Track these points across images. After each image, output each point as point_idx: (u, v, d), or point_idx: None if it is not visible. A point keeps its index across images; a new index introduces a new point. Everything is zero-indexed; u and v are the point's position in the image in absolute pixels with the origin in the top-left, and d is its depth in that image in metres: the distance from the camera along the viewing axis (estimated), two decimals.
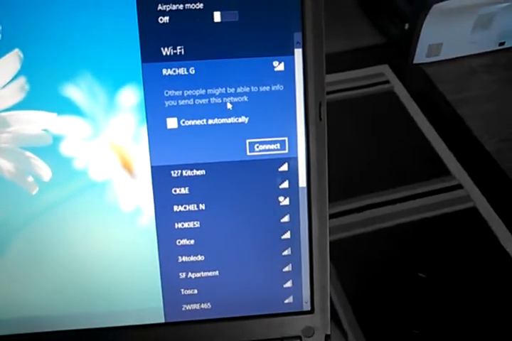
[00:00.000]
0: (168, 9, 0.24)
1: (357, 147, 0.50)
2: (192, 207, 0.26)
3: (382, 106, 0.56)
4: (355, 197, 0.47)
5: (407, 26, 0.57)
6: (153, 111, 0.25)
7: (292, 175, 0.25)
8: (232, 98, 0.25)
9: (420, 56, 0.58)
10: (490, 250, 0.43)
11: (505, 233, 0.44)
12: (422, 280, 0.41)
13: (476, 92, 0.56)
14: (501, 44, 0.59)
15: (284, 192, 0.26)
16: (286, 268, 0.26)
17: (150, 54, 0.24)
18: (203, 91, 0.25)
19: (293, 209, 0.26)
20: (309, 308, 0.27)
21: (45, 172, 0.25)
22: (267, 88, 0.24)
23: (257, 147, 0.25)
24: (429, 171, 0.49)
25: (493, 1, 0.55)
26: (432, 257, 0.42)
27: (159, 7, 0.24)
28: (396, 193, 0.47)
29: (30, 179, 0.25)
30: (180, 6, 0.24)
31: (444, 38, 0.57)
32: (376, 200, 0.47)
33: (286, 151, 0.25)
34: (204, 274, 0.26)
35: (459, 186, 0.47)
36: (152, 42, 0.24)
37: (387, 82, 0.57)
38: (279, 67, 0.25)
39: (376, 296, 0.40)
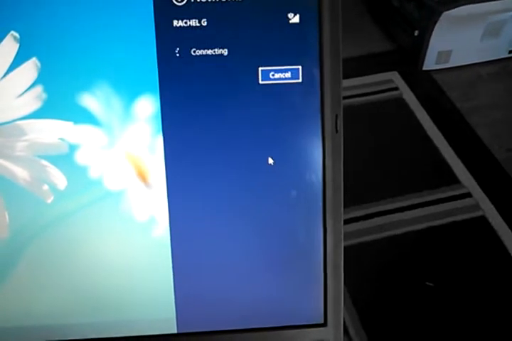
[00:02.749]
0: (185, 24, 0.24)
1: (365, 154, 0.50)
2: (207, 219, 0.26)
3: (391, 113, 0.56)
4: (363, 204, 0.47)
5: (416, 33, 0.57)
6: (170, 121, 0.25)
7: (308, 184, 0.25)
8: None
9: (430, 63, 0.58)
10: (498, 259, 0.43)
11: None
12: (429, 289, 0.41)
13: (485, 100, 0.56)
14: (511, 52, 0.59)
15: (296, 201, 0.26)
16: (300, 281, 0.26)
17: (167, 64, 0.24)
18: None
19: (308, 221, 0.26)
20: (322, 321, 0.27)
21: (60, 180, 0.25)
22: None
23: None
24: (438, 179, 0.49)
25: (503, 9, 0.55)
26: (440, 266, 0.42)
27: (175, 22, 0.24)
28: (404, 201, 0.47)
29: (46, 187, 0.25)
30: (194, 22, 0.24)
31: (453, 45, 0.57)
32: (384, 208, 0.47)
33: None
34: (218, 285, 0.26)
35: (468, 194, 0.47)
36: (169, 52, 0.24)
37: (397, 88, 0.57)
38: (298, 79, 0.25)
39: (383, 304, 0.40)
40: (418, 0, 0.56)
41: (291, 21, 0.24)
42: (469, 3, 0.53)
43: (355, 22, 0.64)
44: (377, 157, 0.50)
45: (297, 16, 0.24)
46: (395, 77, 0.58)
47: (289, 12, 0.24)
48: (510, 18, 0.55)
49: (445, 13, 0.53)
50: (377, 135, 0.52)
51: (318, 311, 0.27)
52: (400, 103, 0.56)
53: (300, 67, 0.25)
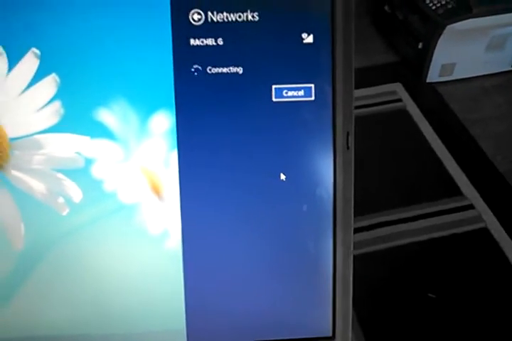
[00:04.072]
0: (202, 42, 0.25)
1: (369, 165, 0.50)
2: (219, 232, 0.26)
3: (395, 125, 0.56)
4: (366, 215, 0.47)
5: (420, 45, 0.58)
6: (185, 137, 0.25)
7: (319, 199, 0.26)
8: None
9: (433, 75, 0.59)
10: (501, 271, 0.43)
11: None
12: (431, 301, 0.41)
13: (489, 113, 0.57)
14: None
15: (307, 215, 0.26)
16: (310, 294, 0.27)
17: (183, 81, 0.25)
18: None
19: (318, 235, 0.26)
20: (330, 334, 0.27)
21: (76, 193, 0.26)
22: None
23: None
24: (441, 191, 0.50)
25: (507, 23, 0.56)
26: (443, 277, 0.43)
27: (192, 41, 0.25)
28: (407, 212, 0.48)
29: (61, 200, 0.26)
30: (211, 41, 0.25)
31: (457, 58, 0.58)
32: (387, 219, 0.47)
33: None
34: (228, 297, 0.27)
35: (471, 206, 0.48)
36: (185, 69, 0.25)
37: (400, 100, 0.58)
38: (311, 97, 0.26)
39: (385, 315, 0.40)
40: (422, 13, 0.56)
41: (305, 41, 0.25)
42: (473, 17, 0.54)
43: (360, 34, 0.65)
44: (380, 168, 0.50)
45: (311, 36, 0.25)
46: (398, 89, 0.59)
47: (302, 32, 0.25)
48: None
49: (449, 27, 0.54)
50: (380, 146, 0.52)
51: (326, 324, 0.27)
52: (404, 115, 0.57)
53: (313, 86, 0.25)
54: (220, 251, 0.26)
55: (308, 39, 0.25)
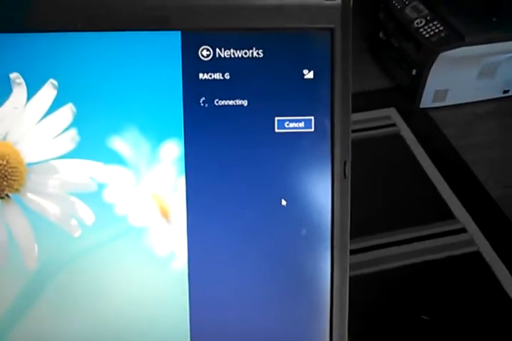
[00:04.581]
0: (210, 77, 0.27)
1: (362, 189, 0.52)
2: (223, 254, 0.28)
3: (389, 149, 0.59)
4: (360, 237, 0.49)
5: (414, 72, 0.61)
6: (192, 164, 0.28)
7: (318, 224, 0.28)
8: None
9: (427, 101, 0.62)
10: (492, 294, 0.45)
11: (507, 277, 0.46)
12: (425, 323, 0.43)
13: (481, 138, 0.59)
14: (505, 92, 0.63)
15: (306, 239, 0.28)
16: (308, 314, 0.29)
17: (192, 112, 0.27)
18: None
19: (316, 259, 0.28)
20: None
21: (88, 216, 0.28)
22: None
23: None
24: (433, 214, 0.52)
25: (498, 51, 0.59)
26: (436, 299, 0.45)
27: (201, 75, 0.27)
28: (401, 235, 0.50)
29: (74, 222, 0.28)
30: (218, 75, 0.27)
31: (450, 84, 0.61)
32: (381, 241, 0.49)
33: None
34: (231, 318, 0.29)
35: (463, 230, 0.50)
36: (194, 101, 0.27)
37: (394, 125, 0.60)
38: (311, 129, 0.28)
39: (380, 337, 0.42)
40: (416, 41, 0.59)
41: (305, 77, 0.27)
42: (465, 45, 0.57)
43: (355, 60, 0.67)
44: (374, 192, 0.52)
45: (311, 72, 0.27)
46: (393, 114, 0.62)
47: (304, 68, 0.27)
48: (505, 59, 0.59)
49: (442, 54, 0.57)
50: (374, 169, 0.55)
51: None
52: (398, 139, 0.59)
53: (313, 118, 0.28)
54: (223, 273, 0.28)
55: (309, 75, 0.27)
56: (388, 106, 0.62)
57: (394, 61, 0.64)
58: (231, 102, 0.27)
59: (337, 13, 0.27)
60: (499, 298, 0.45)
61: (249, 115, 0.27)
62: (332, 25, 0.27)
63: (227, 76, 0.27)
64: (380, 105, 0.63)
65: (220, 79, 0.27)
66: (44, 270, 0.28)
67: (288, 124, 0.28)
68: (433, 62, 0.58)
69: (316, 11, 0.27)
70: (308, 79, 0.27)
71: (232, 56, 0.27)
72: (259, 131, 0.28)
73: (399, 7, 0.62)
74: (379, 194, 0.53)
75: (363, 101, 0.62)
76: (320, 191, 0.28)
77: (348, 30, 0.27)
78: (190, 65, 0.27)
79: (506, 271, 0.47)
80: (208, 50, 0.27)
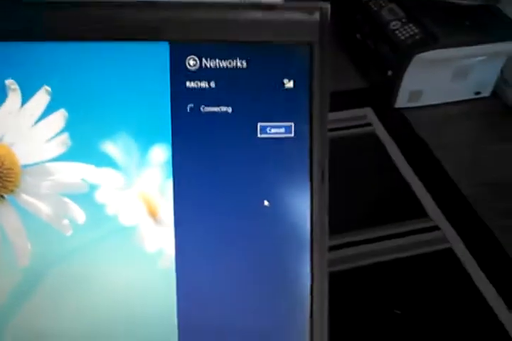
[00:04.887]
0: (196, 85, 0.29)
1: (336, 187, 0.54)
2: (209, 252, 0.30)
3: (364, 147, 0.61)
4: (334, 234, 0.51)
5: (390, 73, 0.63)
6: (179, 167, 0.30)
7: (298, 224, 0.31)
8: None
9: (402, 101, 0.64)
10: (464, 289, 0.47)
11: (479, 273, 0.49)
12: (397, 316, 0.45)
13: (453, 138, 0.62)
14: (477, 93, 0.66)
15: (287, 238, 0.31)
16: (290, 311, 0.31)
17: (179, 118, 0.29)
18: None
19: (296, 256, 0.31)
20: None
21: (79, 216, 0.29)
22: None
23: None
24: (407, 212, 0.54)
25: (471, 54, 0.61)
26: (408, 295, 0.47)
27: (187, 83, 0.29)
28: (374, 232, 0.52)
29: (66, 222, 0.30)
30: (204, 84, 0.29)
31: (424, 85, 0.63)
32: (354, 239, 0.51)
33: None
34: (217, 314, 0.31)
35: (436, 227, 0.52)
36: (181, 108, 0.29)
37: (370, 124, 0.63)
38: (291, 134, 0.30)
39: (353, 331, 0.44)
40: (392, 42, 0.62)
41: (286, 86, 0.30)
42: (440, 48, 0.60)
43: (332, 60, 0.69)
44: (348, 190, 0.54)
45: (291, 82, 0.29)
46: (368, 113, 0.64)
47: (284, 78, 0.29)
48: (477, 62, 0.62)
49: (417, 56, 0.60)
50: (349, 169, 0.56)
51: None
52: (373, 138, 0.61)
53: (293, 124, 0.30)
54: (209, 270, 0.30)
55: (289, 84, 0.30)
56: (364, 105, 0.64)
57: (370, 62, 0.66)
58: (216, 109, 0.29)
59: (316, 28, 0.29)
60: (470, 294, 0.47)
61: (234, 121, 0.30)
62: (311, 39, 0.29)
63: (212, 84, 0.29)
64: (356, 105, 0.64)
65: (206, 88, 0.29)
66: (36, 268, 0.30)
67: (270, 130, 0.30)
68: (408, 64, 0.60)
69: (297, 26, 0.29)
70: (289, 88, 0.30)
71: (218, 66, 0.29)
72: (242, 136, 0.30)
73: (375, 9, 0.64)
74: (353, 192, 0.55)
75: (339, 101, 0.64)
76: (300, 194, 0.30)
77: (326, 43, 0.29)
78: (178, 73, 0.29)
79: (477, 268, 0.49)
80: (194, 60, 0.29)
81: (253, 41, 0.29)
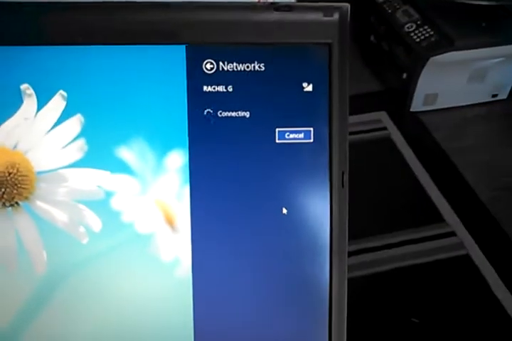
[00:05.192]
0: (213, 89, 0.29)
1: (353, 192, 0.54)
2: (226, 260, 0.30)
3: (379, 152, 0.61)
4: (350, 240, 0.51)
5: (405, 76, 0.63)
6: (196, 173, 0.29)
7: (317, 231, 0.30)
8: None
9: (417, 104, 0.64)
10: (481, 296, 0.47)
11: (496, 280, 0.48)
12: (415, 325, 0.45)
13: (470, 141, 0.62)
14: (494, 96, 0.65)
15: (306, 246, 0.31)
16: (308, 318, 0.31)
17: (196, 123, 0.29)
18: None
19: (315, 264, 0.30)
20: None
21: (95, 223, 0.29)
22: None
23: None
24: (423, 218, 0.53)
25: (487, 56, 0.61)
26: (425, 302, 0.46)
27: (205, 87, 0.29)
28: (391, 238, 0.51)
29: (82, 229, 0.29)
30: (221, 88, 0.29)
31: (439, 88, 0.63)
32: (371, 245, 0.51)
33: None
34: (234, 322, 0.30)
35: (453, 233, 0.52)
36: (198, 113, 0.29)
37: (385, 128, 0.62)
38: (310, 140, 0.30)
39: (369, 339, 0.44)
40: (407, 45, 0.61)
41: (305, 89, 0.29)
42: (455, 50, 0.59)
43: None
44: (364, 195, 0.53)
45: (311, 85, 0.29)
46: (383, 117, 0.63)
47: (303, 81, 0.29)
48: (493, 64, 0.62)
49: (432, 59, 0.59)
50: (364, 173, 0.55)
51: None
52: (388, 142, 0.61)
53: (312, 129, 0.30)
54: (226, 279, 0.30)
55: (308, 88, 0.29)
56: (379, 109, 0.64)
57: (385, 65, 0.66)
58: (234, 114, 0.29)
59: (335, 29, 0.29)
60: (488, 301, 0.47)
61: (251, 126, 0.29)
62: (330, 40, 0.29)
63: (230, 88, 0.29)
64: (370, 108, 0.64)
65: (223, 92, 0.29)
66: (53, 275, 0.30)
67: (288, 135, 0.30)
68: (423, 67, 0.60)
69: (315, 27, 0.29)
70: (308, 92, 0.29)
71: (235, 69, 0.29)
72: (260, 142, 0.29)
73: (390, 11, 0.64)
74: (369, 197, 0.54)
75: (353, 105, 0.63)
76: (319, 200, 0.30)
77: (346, 45, 0.29)
78: (195, 77, 0.29)
79: (495, 274, 0.49)
80: (211, 63, 0.29)
81: (270, 43, 0.29)
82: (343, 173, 0.30)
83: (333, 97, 0.29)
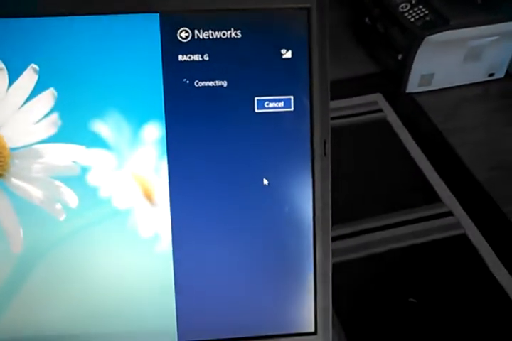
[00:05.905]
0: (189, 58, 0.28)
1: (349, 174, 0.53)
2: (206, 234, 0.29)
3: (376, 134, 0.59)
4: (347, 222, 0.50)
5: (400, 57, 0.61)
6: (174, 145, 0.28)
7: (299, 202, 0.29)
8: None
9: (413, 85, 0.62)
10: (479, 276, 0.46)
11: (494, 259, 0.47)
12: (412, 305, 0.44)
13: (466, 121, 0.60)
14: (490, 75, 0.64)
15: (289, 217, 0.29)
16: (292, 292, 0.30)
17: (172, 94, 0.28)
18: None
19: (299, 236, 0.29)
20: (313, 330, 0.30)
21: (72, 200, 0.28)
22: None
23: None
24: (420, 198, 0.52)
25: (483, 34, 0.59)
26: (423, 282, 0.46)
27: (180, 57, 0.28)
28: (388, 219, 0.50)
29: (59, 206, 0.28)
30: (197, 57, 0.28)
31: (435, 68, 0.61)
32: (368, 226, 0.50)
33: None
34: (216, 296, 0.30)
35: (450, 213, 0.51)
36: (174, 83, 0.28)
37: (381, 110, 0.61)
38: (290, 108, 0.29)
39: (368, 320, 0.43)
40: (401, 25, 0.60)
41: (284, 56, 0.28)
42: (450, 29, 0.58)
43: (341, 45, 0.68)
44: (361, 176, 0.53)
45: (289, 52, 0.28)
46: (379, 99, 0.62)
47: (282, 48, 0.28)
48: (489, 43, 0.60)
49: (427, 38, 0.58)
50: (361, 155, 0.55)
51: (309, 320, 0.30)
52: (384, 124, 0.60)
53: (292, 97, 0.28)
54: (208, 253, 0.29)
55: (287, 54, 0.28)
56: (374, 91, 0.63)
57: (379, 46, 0.65)
58: (211, 83, 0.28)
59: None
60: (486, 280, 0.46)
61: (229, 96, 0.28)
62: (308, 5, 0.28)
63: (206, 57, 0.28)
64: (366, 90, 0.63)
65: (199, 61, 0.28)
66: (30, 253, 0.29)
67: (268, 104, 0.28)
68: (418, 47, 0.59)
69: None
70: (287, 59, 0.28)
71: (211, 37, 0.28)
72: (239, 112, 0.28)
73: None
74: (366, 178, 0.54)
75: (349, 88, 0.62)
76: (301, 169, 0.29)
77: (325, 9, 0.28)
78: (170, 46, 0.28)
79: (492, 253, 0.48)
80: (186, 31, 0.28)
81: (247, 9, 0.28)
82: (325, 142, 0.28)
83: (313, 64, 0.28)
